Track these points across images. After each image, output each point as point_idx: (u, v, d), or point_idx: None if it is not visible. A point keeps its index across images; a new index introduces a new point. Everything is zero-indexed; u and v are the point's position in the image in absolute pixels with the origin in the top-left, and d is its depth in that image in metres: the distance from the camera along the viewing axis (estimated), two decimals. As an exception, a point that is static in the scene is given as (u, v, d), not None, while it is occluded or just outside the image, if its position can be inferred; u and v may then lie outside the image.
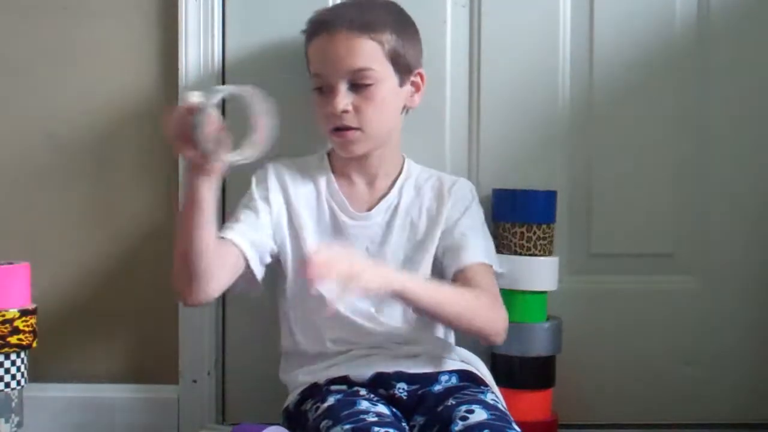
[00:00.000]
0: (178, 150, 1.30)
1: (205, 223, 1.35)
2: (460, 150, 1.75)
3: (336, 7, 1.58)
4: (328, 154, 1.60)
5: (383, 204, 1.55)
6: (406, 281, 1.39)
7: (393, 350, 1.49)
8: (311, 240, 1.53)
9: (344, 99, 1.48)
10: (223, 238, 1.45)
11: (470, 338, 1.56)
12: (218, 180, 1.33)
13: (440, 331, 1.57)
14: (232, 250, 1.46)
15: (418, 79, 1.57)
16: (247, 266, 1.48)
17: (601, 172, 1.77)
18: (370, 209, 1.55)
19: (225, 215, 1.72)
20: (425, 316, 1.46)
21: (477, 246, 1.52)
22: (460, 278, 1.49)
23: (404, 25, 1.56)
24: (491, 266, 1.53)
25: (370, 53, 1.49)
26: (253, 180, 1.57)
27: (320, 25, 1.52)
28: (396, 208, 1.56)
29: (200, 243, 1.36)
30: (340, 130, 1.50)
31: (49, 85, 1.72)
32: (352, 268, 1.29)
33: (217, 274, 1.42)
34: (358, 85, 1.49)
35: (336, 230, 1.54)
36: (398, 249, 1.53)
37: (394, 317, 1.51)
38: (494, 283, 1.52)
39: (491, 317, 1.47)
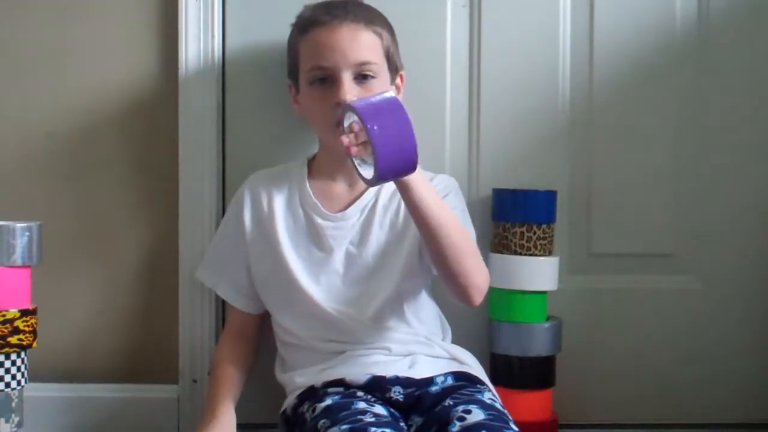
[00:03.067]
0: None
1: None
2: (460, 150, 1.75)
3: (327, 3, 1.57)
4: (309, 161, 1.60)
5: (359, 203, 1.54)
6: (424, 180, 1.36)
7: (386, 350, 1.49)
8: (285, 245, 1.53)
9: (352, 90, 1.48)
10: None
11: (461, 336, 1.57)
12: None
13: (429, 330, 1.56)
14: (245, 329, 1.63)
15: (399, 80, 1.60)
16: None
17: (601, 172, 1.77)
18: (346, 209, 1.55)
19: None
20: (421, 227, 1.39)
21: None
22: None
23: (391, 27, 1.58)
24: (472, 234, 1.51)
25: (372, 46, 1.52)
26: (229, 207, 1.62)
27: (320, 17, 1.52)
28: (373, 206, 1.54)
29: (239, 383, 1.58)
30: None
31: (48, 84, 1.72)
32: None
33: (256, 349, 1.63)
34: (360, 78, 1.50)
35: (313, 234, 1.54)
36: (378, 248, 1.53)
37: (381, 322, 1.50)
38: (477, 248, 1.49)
39: (481, 268, 1.44)
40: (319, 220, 1.53)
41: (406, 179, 1.33)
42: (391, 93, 1.27)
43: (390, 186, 1.54)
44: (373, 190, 1.55)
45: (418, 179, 1.34)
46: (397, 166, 1.24)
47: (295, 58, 1.56)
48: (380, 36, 1.53)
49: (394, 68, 1.57)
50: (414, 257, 1.52)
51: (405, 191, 1.36)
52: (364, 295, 1.51)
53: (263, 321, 1.62)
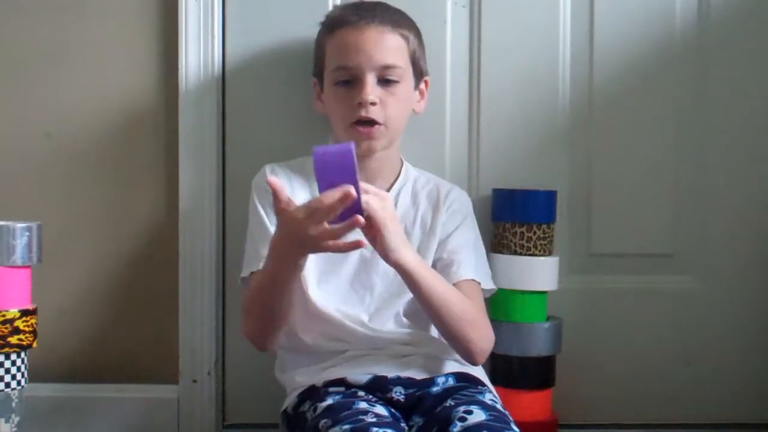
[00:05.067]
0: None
1: (295, 286, 1.41)
2: (460, 150, 1.75)
3: (357, 4, 1.59)
4: None
5: None
6: (419, 263, 1.40)
7: (388, 350, 1.49)
8: None
9: (374, 90, 1.49)
10: None
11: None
12: None
13: (434, 332, 1.56)
14: None
15: (424, 86, 1.60)
16: None
17: (601, 172, 1.77)
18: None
19: (225, 216, 1.72)
20: (422, 305, 1.44)
21: (468, 263, 1.52)
22: None
23: (419, 31, 1.58)
24: (479, 283, 1.53)
25: (398, 50, 1.52)
26: (254, 193, 1.55)
27: (348, 17, 1.52)
28: None
29: (290, 303, 1.42)
30: (364, 123, 1.49)
31: (48, 84, 1.72)
32: (387, 207, 1.32)
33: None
34: (384, 81, 1.50)
35: None
36: None
37: (387, 325, 1.51)
38: (482, 302, 1.53)
39: (482, 333, 1.47)
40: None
41: (405, 268, 1.37)
42: (350, 145, 1.28)
43: (408, 196, 1.57)
44: (391, 196, 1.55)
45: (416, 265, 1.38)
46: (341, 214, 1.28)
47: (321, 56, 1.57)
48: (407, 40, 1.53)
49: (419, 73, 1.57)
50: None
51: (406, 277, 1.39)
52: (370, 298, 1.52)
53: None
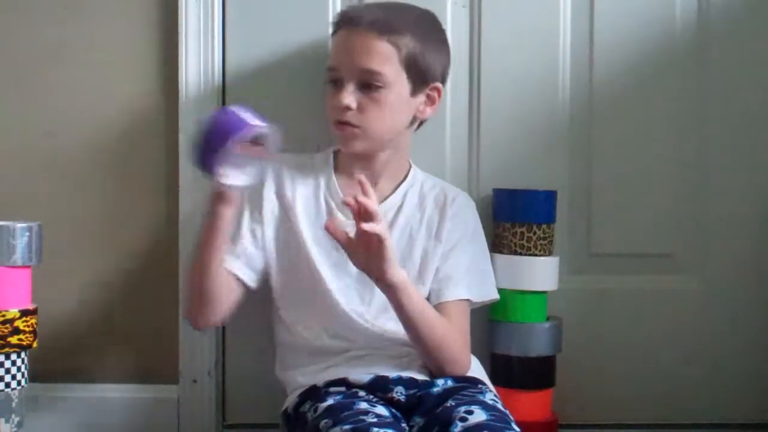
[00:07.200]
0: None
1: (222, 247, 1.45)
2: (460, 150, 1.75)
3: (365, 5, 1.59)
4: (335, 153, 1.60)
5: (384, 206, 1.53)
6: (409, 285, 1.41)
7: (389, 350, 1.50)
8: (307, 237, 1.52)
9: (349, 96, 1.49)
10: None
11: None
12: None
13: None
14: (232, 277, 1.51)
15: (434, 93, 1.56)
16: (245, 287, 1.52)
17: (601, 172, 1.77)
18: None
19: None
20: (403, 325, 1.45)
21: (462, 282, 1.53)
22: (437, 310, 1.49)
23: (430, 35, 1.54)
24: (468, 301, 1.54)
25: (384, 56, 1.49)
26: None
27: (343, 20, 1.53)
28: (397, 212, 1.55)
29: (217, 267, 1.45)
30: (342, 123, 1.50)
31: (49, 85, 1.72)
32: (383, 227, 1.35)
33: (227, 297, 1.49)
34: (367, 86, 1.49)
35: None
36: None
37: (387, 325, 1.51)
38: (467, 323, 1.53)
39: (460, 359, 1.48)
40: (342, 217, 1.52)
41: (388, 282, 1.39)
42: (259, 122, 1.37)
43: (416, 197, 1.57)
44: (399, 194, 1.56)
45: (402, 285, 1.39)
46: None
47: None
48: (397, 47, 1.49)
49: (420, 79, 1.52)
50: (431, 278, 1.54)
51: (390, 293, 1.40)
52: (373, 296, 1.52)
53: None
